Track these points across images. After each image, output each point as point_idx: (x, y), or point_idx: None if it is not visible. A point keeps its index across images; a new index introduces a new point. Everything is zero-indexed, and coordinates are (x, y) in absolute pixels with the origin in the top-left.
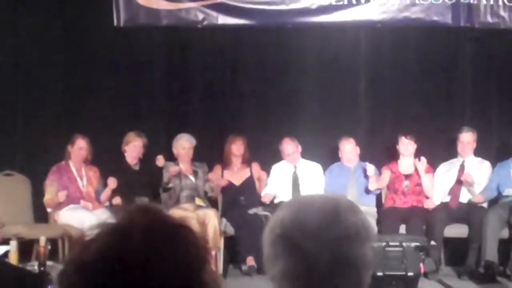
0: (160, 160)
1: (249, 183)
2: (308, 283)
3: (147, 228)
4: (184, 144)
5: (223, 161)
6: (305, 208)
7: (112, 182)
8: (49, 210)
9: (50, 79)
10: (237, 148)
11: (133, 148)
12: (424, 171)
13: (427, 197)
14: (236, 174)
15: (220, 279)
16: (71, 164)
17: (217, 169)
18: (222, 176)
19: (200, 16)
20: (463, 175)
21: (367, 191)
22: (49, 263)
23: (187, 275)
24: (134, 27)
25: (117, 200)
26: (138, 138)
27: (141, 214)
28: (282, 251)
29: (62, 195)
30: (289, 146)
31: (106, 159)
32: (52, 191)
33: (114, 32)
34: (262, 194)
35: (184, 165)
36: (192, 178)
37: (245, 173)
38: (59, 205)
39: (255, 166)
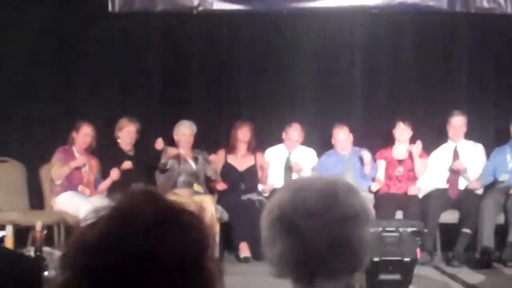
0: (159, 143)
1: (252, 171)
2: (306, 264)
3: (151, 211)
4: (185, 130)
5: (229, 146)
6: (303, 190)
7: (115, 174)
8: (57, 182)
9: (46, 66)
10: (243, 134)
11: (126, 134)
12: (418, 155)
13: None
14: (240, 160)
15: (222, 265)
16: (75, 150)
17: (221, 153)
18: (226, 160)
19: (196, 2)
20: (454, 164)
21: (363, 176)
22: (45, 249)
23: (191, 260)
24: (129, 13)
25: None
26: (131, 124)
27: (144, 197)
28: (280, 233)
29: (77, 162)
30: (296, 133)
31: (102, 145)
32: (60, 165)
33: (110, 18)
34: (265, 186)
35: (184, 152)
36: (192, 163)
37: (249, 161)
38: (60, 186)
39: (260, 156)
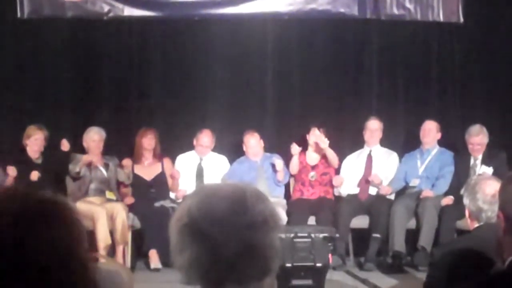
0: (64, 144)
1: (160, 178)
2: (215, 271)
3: (18, 210)
4: (93, 136)
5: (134, 155)
6: (212, 196)
7: (11, 171)
8: None
9: None
10: (148, 142)
11: (34, 142)
12: (322, 142)
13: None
14: (147, 169)
15: (128, 271)
16: None
17: (127, 162)
18: (133, 170)
19: (106, 8)
20: (371, 177)
21: (276, 182)
22: None
23: (63, 253)
24: (38, 19)
25: None
26: (39, 131)
27: (10, 196)
28: (189, 240)
29: None
30: (207, 139)
31: (8, 153)
32: None
33: (18, 24)
34: (177, 193)
35: (94, 158)
36: (103, 170)
37: (157, 168)
38: None
39: (167, 162)
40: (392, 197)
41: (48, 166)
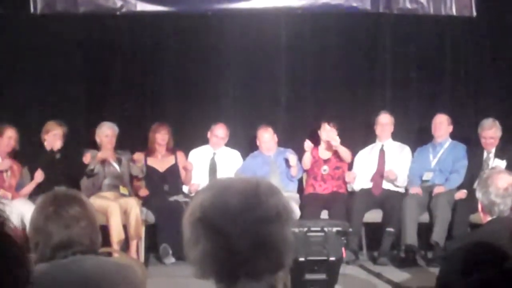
0: (87, 157)
1: (174, 170)
2: (228, 265)
3: None
4: (106, 131)
5: (147, 149)
6: (225, 190)
7: (39, 176)
8: None
9: None
10: (161, 137)
11: (53, 137)
12: (334, 141)
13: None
14: (160, 161)
15: (142, 265)
16: None
17: (138, 156)
18: (146, 163)
19: (119, 3)
20: (385, 172)
21: (290, 177)
22: None
23: None
24: (51, 15)
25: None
26: (59, 127)
27: None
28: (202, 234)
29: (1, 166)
30: (221, 131)
31: (25, 148)
32: None
33: (32, 20)
34: (190, 186)
35: (107, 153)
36: (116, 165)
37: (170, 161)
38: None
39: (180, 155)
40: (403, 190)
41: (65, 162)
